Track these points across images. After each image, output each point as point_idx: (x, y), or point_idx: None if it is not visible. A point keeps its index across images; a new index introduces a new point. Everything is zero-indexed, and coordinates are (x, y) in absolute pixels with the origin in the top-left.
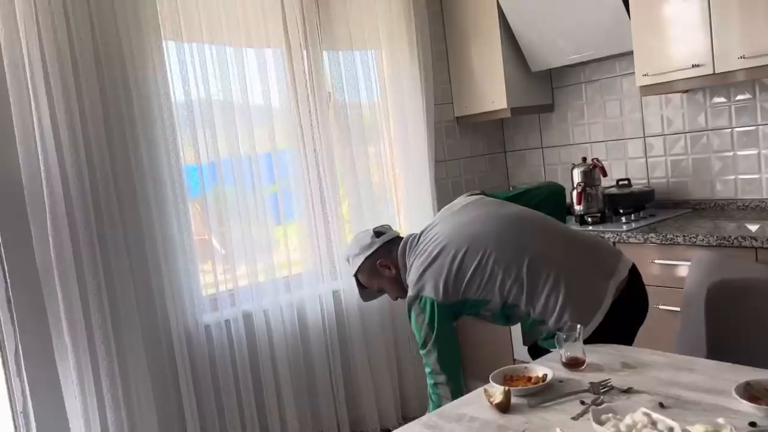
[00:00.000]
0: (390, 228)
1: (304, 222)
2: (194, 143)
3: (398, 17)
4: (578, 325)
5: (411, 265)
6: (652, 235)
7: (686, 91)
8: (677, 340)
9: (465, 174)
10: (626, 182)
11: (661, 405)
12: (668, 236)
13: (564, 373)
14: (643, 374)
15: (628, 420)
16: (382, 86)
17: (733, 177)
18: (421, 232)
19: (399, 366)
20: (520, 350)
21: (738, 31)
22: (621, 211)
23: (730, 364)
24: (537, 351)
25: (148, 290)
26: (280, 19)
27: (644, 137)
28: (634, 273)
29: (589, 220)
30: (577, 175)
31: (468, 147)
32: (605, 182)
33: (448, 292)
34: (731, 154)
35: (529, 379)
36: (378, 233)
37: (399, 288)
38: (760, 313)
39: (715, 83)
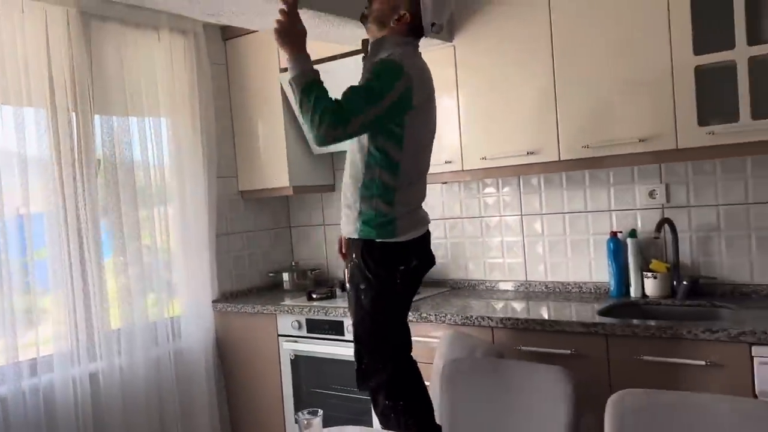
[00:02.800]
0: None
1: (60, 294)
2: None
3: (181, 88)
4: (320, 411)
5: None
6: (410, 312)
7: (444, 183)
8: None
9: (248, 248)
10: None
11: None
12: (423, 315)
13: None
14: None
15: None
16: (159, 156)
17: (482, 260)
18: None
19: None
20: (289, 411)
21: (480, 135)
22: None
23: None
24: None
25: None
26: (45, 78)
27: None
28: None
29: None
30: None
31: (252, 221)
32: None
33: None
34: (481, 239)
35: None
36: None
37: (387, 11)
38: (491, 390)
39: (463, 179)
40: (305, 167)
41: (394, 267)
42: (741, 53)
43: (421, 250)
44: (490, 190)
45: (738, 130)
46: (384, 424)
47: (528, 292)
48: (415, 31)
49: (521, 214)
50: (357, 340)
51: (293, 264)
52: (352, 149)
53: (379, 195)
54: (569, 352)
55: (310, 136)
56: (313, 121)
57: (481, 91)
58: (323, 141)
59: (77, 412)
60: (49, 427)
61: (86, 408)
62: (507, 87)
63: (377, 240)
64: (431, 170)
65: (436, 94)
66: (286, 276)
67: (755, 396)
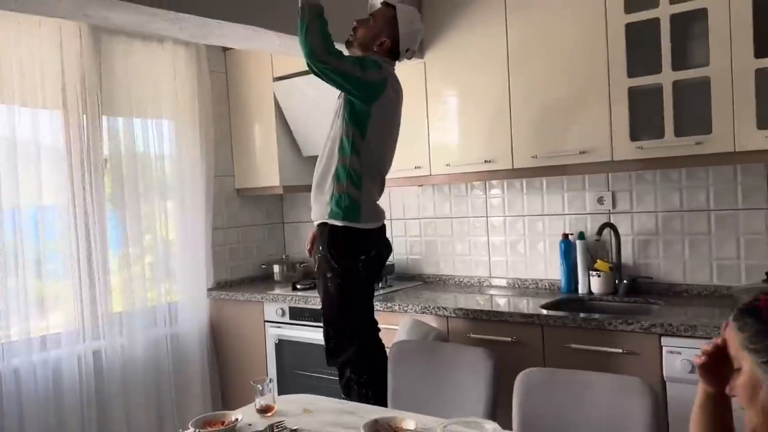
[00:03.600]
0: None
1: (68, 279)
2: None
3: (183, 94)
4: (269, 378)
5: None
6: (377, 302)
7: (420, 185)
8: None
9: (243, 241)
10: None
11: None
12: (388, 305)
13: (255, 418)
14: (315, 417)
15: None
16: (161, 155)
17: (452, 257)
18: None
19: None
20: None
21: (445, 144)
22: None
23: (385, 408)
24: None
25: None
26: (59, 84)
27: (391, 219)
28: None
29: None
30: None
31: (247, 216)
32: None
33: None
34: (451, 238)
35: (223, 422)
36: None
37: (371, 38)
38: (429, 367)
39: (431, 183)
40: (295, 168)
41: (356, 256)
42: (667, 77)
43: (379, 241)
44: (459, 193)
45: (663, 145)
46: (346, 394)
47: (490, 286)
48: (393, 54)
49: (486, 216)
50: (326, 323)
51: (284, 257)
52: (327, 144)
53: (350, 180)
54: (510, 339)
55: (305, 50)
56: (314, 39)
57: (447, 103)
58: (312, 54)
59: (82, 384)
60: (57, 396)
61: (90, 380)
62: (469, 100)
63: (342, 224)
64: (404, 174)
65: (408, 104)
66: (277, 268)
67: (663, 380)
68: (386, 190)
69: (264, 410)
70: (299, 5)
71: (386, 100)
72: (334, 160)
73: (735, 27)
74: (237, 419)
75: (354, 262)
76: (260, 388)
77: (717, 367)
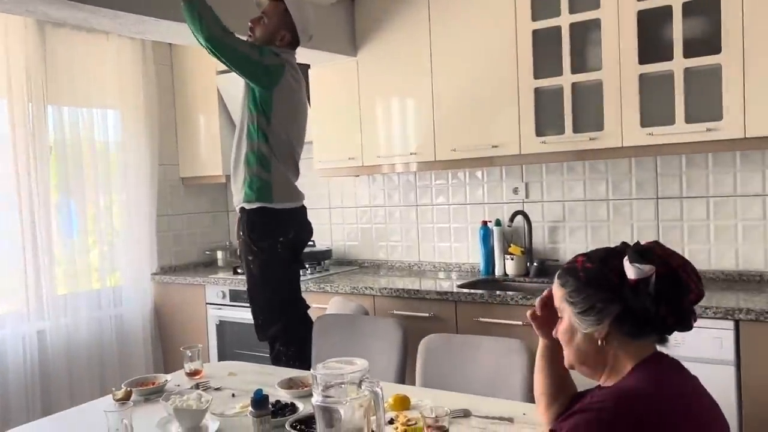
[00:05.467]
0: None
1: (13, 263)
2: None
3: (128, 85)
4: (199, 346)
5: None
6: (311, 284)
7: (357, 176)
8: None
9: (188, 228)
10: (312, 243)
11: (233, 395)
12: (321, 286)
13: (184, 380)
14: (237, 378)
15: (184, 398)
16: (106, 143)
17: (386, 243)
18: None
19: None
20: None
21: (375, 136)
22: (305, 264)
23: (299, 371)
24: None
25: None
26: (4, 70)
27: (330, 208)
28: None
29: None
30: None
31: (192, 204)
32: None
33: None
34: (384, 225)
35: (153, 383)
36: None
37: (270, 35)
38: (347, 337)
39: (363, 173)
40: None
41: (275, 239)
42: (567, 79)
43: (298, 223)
44: (392, 183)
45: (564, 140)
46: (274, 364)
47: (421, 270)
48: (293, 44)
49: (416, 205)
50: (252, 301)
51: (227, 243)
52: (237, 132)
53: (259, 163)
54: (428, 314)
55: (202, 33)
56: (209, 21)
57: (377, 98)
58: (210, 35)
59: (26, 363)
60: (1, 374)
61: (34, 359)
62: (397, 97)
63: (257, 206)
64: (339, 165)
65: (342, 99)
66: (220, 254)
67: None
68: (324, 180)
69: (192, 374)
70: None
71: (287, 86)
72: (243, 147)
73: (623, 36)
74: (166, 380)
75: (273, 243)
76: (189, 354)
77: (547, 319)
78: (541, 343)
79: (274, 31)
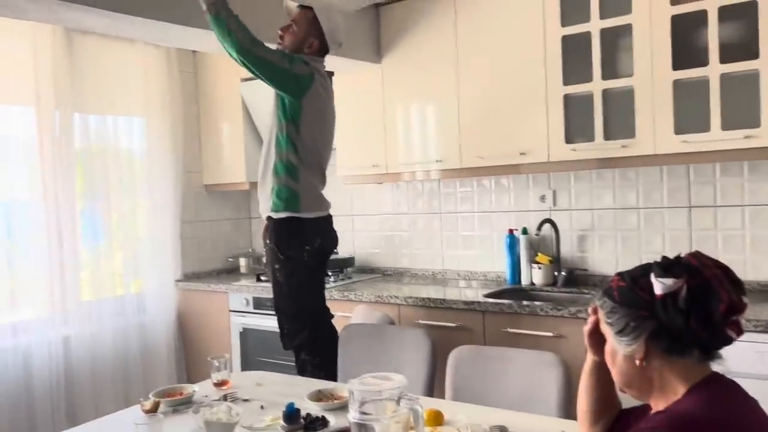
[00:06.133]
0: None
1: (39, 269)
2: None
3: (154, 93)
4: (226, 355)
5: (313, 63)
6: (335, 292)
7: (381, 183)
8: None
9: (211, 235)
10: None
11: (261, 407)
12: (345, 294)
13: (212, 391)
14: (265, 389)
15: (213, 410)
16: (131, 150)
17: (409, 251)
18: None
19: None
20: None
21: (399, 144)
22: (329, 272)
23: (327, 381)
24: None
25: None
26: (32, 78)
27: (352, 215)
28: None
29: None
30: None
31: (215, 211)
32: None
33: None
34: (408, 233)
35: (181, 393)
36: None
37: (299, 42)
38: (374, 347)
39: (387, 180)
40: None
41: (301, 247)
42: (597, 86)
43: (324, 232)
44: (416, 191)
45: (594, 147)
46: (300, 374)
47: (444, 279)
48: (322, 51)
49: (440, 212)
50: (277, 310)
51: (250, 250)
52: (266, 142)
53: (288, 173)
54: (455, 325)
55: (232, 44)
56: (238, 32)
57: (402, 105)
58: (240, 47)
59: (51, 368)
60: (27, 379)
61: (59, 365)
62: (422, 104)
63: (285, 215)
64: (362, 171)
65: (366, 106)
66: (243, 261)
67: None
68: (347, 187)
69: (220, 384)
70: (205, 5)
71: (316, 94)
72: (272, 156)
73: (655, 41)
74: (194, 391)
75: (299, 252)
76: (216, 364)
77: (597, 338)
78: (589, 359)
79: (303, 39)
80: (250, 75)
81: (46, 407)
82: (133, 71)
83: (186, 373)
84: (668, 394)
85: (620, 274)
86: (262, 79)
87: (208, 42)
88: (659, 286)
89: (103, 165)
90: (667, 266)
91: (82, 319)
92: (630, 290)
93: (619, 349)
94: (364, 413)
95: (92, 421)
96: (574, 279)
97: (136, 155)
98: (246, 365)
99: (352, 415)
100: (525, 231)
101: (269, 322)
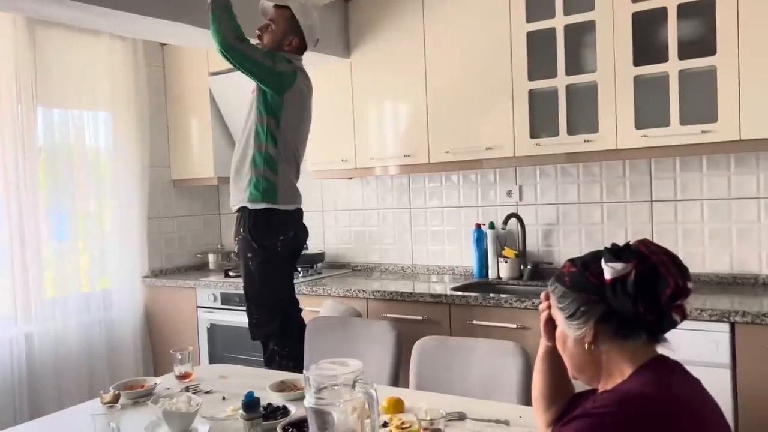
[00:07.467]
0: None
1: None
2: None
3: (120, 87)
4: (189, 348)
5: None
6: (304, 287)
7: (350, 178)
8: None
9: (178, 231)
10: (305, 246)
11: (223, 398)
12: (313, 289)
13: (174, 383)
14: (228, 381)
15: (173, 401)
16: (97, 145)
17: (379, 246)
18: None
19: None
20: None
21: (368, 138)
22: (298, 267)
23: (283, 372)
24: None
25: None
26: None
27: (323, 211)
28: None
29: None
30: None
31: (184, 207)
32: None
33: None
34: (377, 228)
35: (142, 386)
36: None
37: (278, 41)
38: (340, 340)
39: (356, 176)
40: (230, 160)
41: (276, 237)
42: (561, 81)
43: (296, 224)
44: (385, 186)
45: (558, 142)
46: (267, 366)
47: (414, 273)
48: (301, 49)
49: (410, 207)
50: (247, 299)
51: (219, 246)
52: (243, 133)
53: (267, 164)
54: (421, 317)
55: (217, 39)
56: (226, 28)
57: (371, 100)
58: (225, 42)
59: (13, 365)
60: None
61: (21, 363)
62: (390, 99)
63: (262, 206)
64: (332, 167)
65: (335, 101)
66: (211, 257)
67: None
68: (318, 182)
69: (182, 377)
70: (209, 1)
71: (298, 91)
72: (251, 148)
73: (617, 38)
74: (156, 383)
75: (273, 242)
76: (179, 356)
77: (552, 325)
78: (542, 344)
79: (283, 37)
80: (219, 69)
81: (8, 404)
82: (99, 64)
83: (153, 369)
84: (615, 376)
85: (571, 260)
86: (245, 74)
87: (179, 34)
88: (609, 270)
89: (67, 160)
90: (616, 252)
91: (45, 316)
92: (581, 275)
93: (569, 334)
94: (320, 399)
95: (51, 414)
96: (540, 272)
97: (101, 150)
98: (213, 361)
99: (308, 401)
100: (492, 225)
101: (237, 318)
